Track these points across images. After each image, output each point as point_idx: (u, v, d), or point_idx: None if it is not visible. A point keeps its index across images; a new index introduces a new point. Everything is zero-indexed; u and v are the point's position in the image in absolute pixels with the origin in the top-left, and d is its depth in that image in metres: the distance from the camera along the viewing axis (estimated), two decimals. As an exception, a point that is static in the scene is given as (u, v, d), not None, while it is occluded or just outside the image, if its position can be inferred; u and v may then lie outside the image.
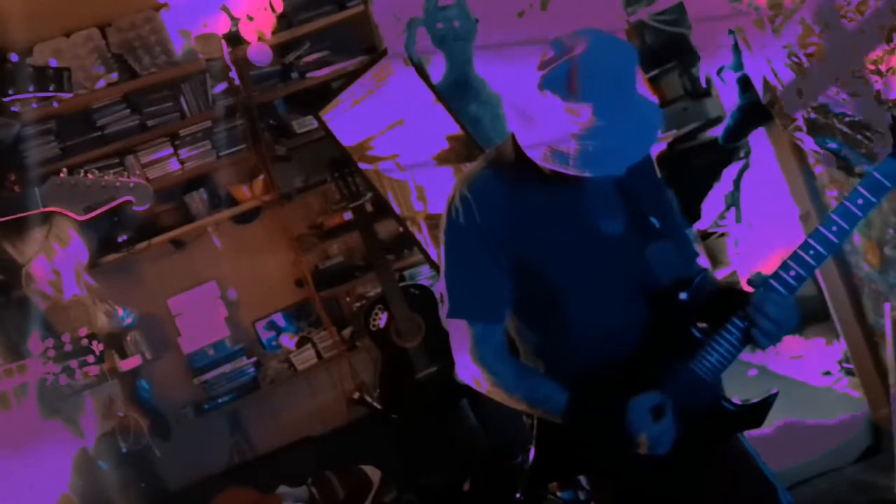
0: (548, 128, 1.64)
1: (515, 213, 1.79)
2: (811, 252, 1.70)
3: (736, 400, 1.84)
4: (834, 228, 1.69)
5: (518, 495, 1.89)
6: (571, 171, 1.64)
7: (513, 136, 1.84)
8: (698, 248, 3.81)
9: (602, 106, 1.58)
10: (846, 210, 1.68)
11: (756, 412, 1.84)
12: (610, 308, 1.83)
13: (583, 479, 1.92)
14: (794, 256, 1.71)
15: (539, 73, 1.63)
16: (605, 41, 1.63)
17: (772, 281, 1.72)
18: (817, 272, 2.67)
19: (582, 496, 1.86)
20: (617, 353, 1.82)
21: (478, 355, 1.82)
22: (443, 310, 1.87)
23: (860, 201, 1.67)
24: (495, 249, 1.79)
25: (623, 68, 1.63)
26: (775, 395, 1.83)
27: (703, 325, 1.84)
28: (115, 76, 4.26)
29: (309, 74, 4.50)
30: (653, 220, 1.86)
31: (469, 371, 1.85)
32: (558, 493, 1.87)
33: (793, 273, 1.71)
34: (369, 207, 4.22)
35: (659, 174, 2.01)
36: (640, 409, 1.73)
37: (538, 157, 1.69)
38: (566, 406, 1.78)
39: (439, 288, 1.87)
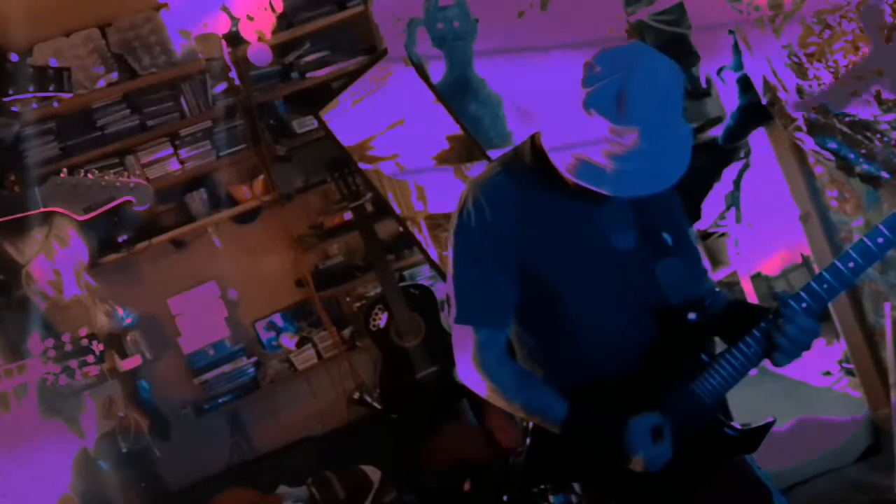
0: (583, 141, 1.59)
1: (527, 220, 1.76)
2: (825, 286, 1.69)
3: (736, 424, 1.85)
4: (850, 265, 1.66)
5: (505, 497, 1.89)
6: (603, 191, 1.60)
7: (531, 139, 1.80)
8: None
9: (648, 130, 1.54)
10: (865, 247, 1.66)
11: (753, 438, 1.85)
12: (613, 322, 1.81)
13: (576, 486, 1.92)
14: (807, 288, 1.70)
15: (583, 89, 1.56)
16: (657, 61, 1.57)
17: (783, 311, 1.70)
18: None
19: (574, 500, 1.85)
20: (618, 367, 1.81)
21: (479, 361, 1.81)
22: (448, 313, 1.85)
23: (880, 240, 1.65)
24: (505, 255, 1.77)
25: (672, 91, 1.59)
26: (772, 422, 1.83)
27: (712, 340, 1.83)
28: (115, 76, 4.26)
29: (309, 74, 4.50)
30: (665, 236, 1.84)
31: (469, 375, 1.84)
32: (550, 498, 1.86)
33: (804, 305, 1.70)
34: (369, 207, 4.22)
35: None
36: (639, 430, 1.72)
37: (564, 166, 1.65)
38: (564, 418, 1.77)
39: (445, 290, 1.86)
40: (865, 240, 1.66)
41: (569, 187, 1.71)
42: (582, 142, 1.59)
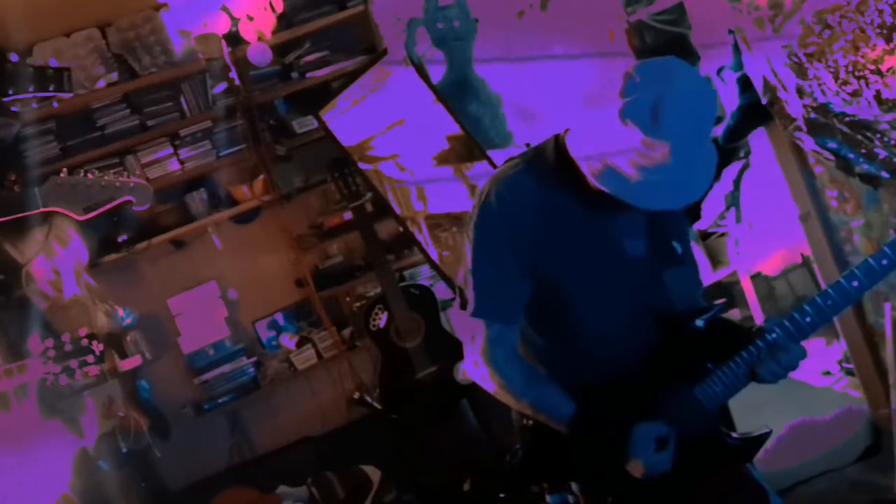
0: (613, 148, 1.62)
1: (545, 218, 1.77)
2: (829, 302, 1.73)
3: (734, 434, 1.87)
4: (854, 283, 1.71)
5: (502, 496, 1.90)
6: (625, 200, 1.63)
7: (555, 139, 1.81)
8: (699, 249, 3.81)
9: (679, 146, 1.57)
10: (869, 267, 1.70)
11: (751, 446, 1.87)
12: (621, 326, 1.83)
13: (573, 485, 1.92)
14: (812, 303, 1.74)
15: (622, 99, 1.59)
16: (694, 80, 1.62)
17: (786, 323, 1.74)
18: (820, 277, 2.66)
19: (571, 500, 1.86)
20: (623, 370, 1.82)
21: (490, 356, 1.82)
22: (459, 304, 1.85)
23: (884, 262, 1.69)
24: (522, 250, 1.78)
25: (707, 112, 1.63)
26: (769, 433, 1.87)
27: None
28: (115, 76, 4.25)
29: (309, 74, 4.50)
30: (675, 245, 1.87)
31: (478, 369, 1.85)
32: (547, 497, 1.87)
33: (808, 319, 1.74)
34: (369, 207, 4.22)
35: None
36: (644, 437, 1.74)
37: (590, 170, 1.67)
38: (571, 417, 1.78)
39: (459, 281, 1.86)
40: (870, 260, 1.70)
41: (589, 190, 1.71)
42: (612, 150, 1.61)
